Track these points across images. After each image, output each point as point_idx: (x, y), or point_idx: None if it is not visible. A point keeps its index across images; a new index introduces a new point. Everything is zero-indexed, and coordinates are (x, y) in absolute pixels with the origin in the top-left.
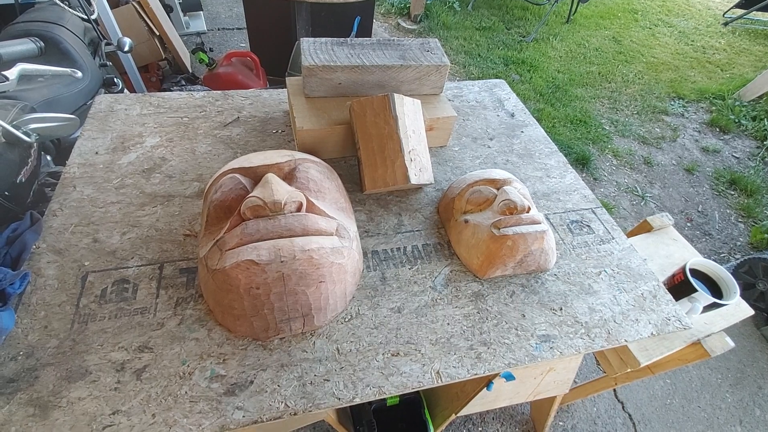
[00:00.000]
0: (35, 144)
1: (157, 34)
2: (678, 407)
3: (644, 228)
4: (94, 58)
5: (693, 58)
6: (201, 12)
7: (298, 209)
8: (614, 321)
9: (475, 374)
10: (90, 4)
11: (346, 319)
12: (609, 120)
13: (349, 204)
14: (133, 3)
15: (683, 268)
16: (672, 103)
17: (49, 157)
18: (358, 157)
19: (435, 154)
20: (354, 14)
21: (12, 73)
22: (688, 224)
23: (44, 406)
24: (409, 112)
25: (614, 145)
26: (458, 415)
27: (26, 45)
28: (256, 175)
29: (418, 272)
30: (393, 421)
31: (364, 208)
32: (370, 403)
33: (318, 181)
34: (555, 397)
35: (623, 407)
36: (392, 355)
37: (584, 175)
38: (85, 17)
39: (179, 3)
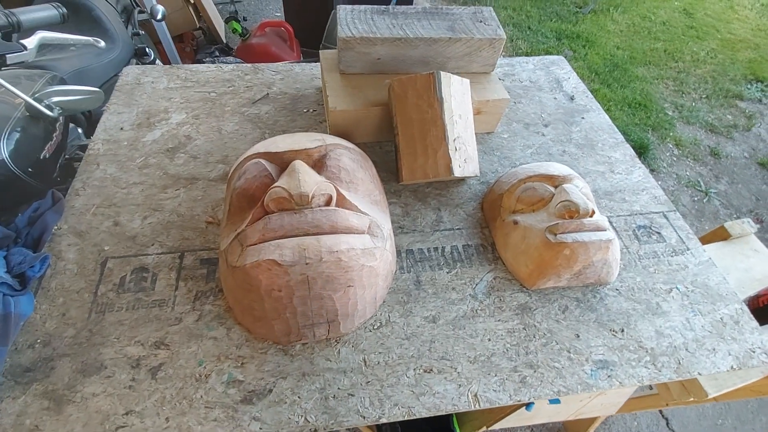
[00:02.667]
0: (60, 118)
1: (192, 2)
2: (730, 429)
3: (719, 235)
4: (126, 27)
5: None
6: None
7: (327, 203)
8: (686, 349)
9: (519, 400)
10: None
11: (375, 327)
12: (673, 104)
13: (383, 197)
14: None
15: None
16: (749, 86)
17: (80, 130)
18: (396, 144)
19: (480, 141)
20: None
21: (31, 42)
22: (758, 226)
23: (59, 399)
24: (457, 94)
25: (677, 132)
26: (490, 429)
27: (48, 11)
28: (282, 162)
29: (457, 277)
30: (418, 424)
31: (399, 200)
32: None
33: (350, 170)
34: (597, 417)
35: (667, 423)
36: (425, 371)
37: None
38: None
39: None
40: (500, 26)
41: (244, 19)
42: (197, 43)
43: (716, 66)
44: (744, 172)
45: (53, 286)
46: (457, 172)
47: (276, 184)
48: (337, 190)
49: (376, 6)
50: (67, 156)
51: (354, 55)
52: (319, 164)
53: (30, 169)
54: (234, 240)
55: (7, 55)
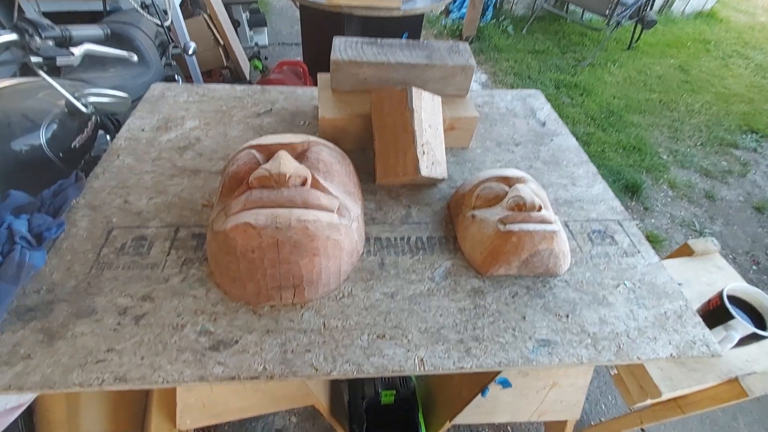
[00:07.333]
0: (93, 117)
1: (222, 44)
2: None
3: (684, 252)
4: (161, 58)
5: None
6: (265, 28)
7: (303, 184)
8: (627, 336)
9: (461, 368)
10: (165, 14)
11: (338, 297)
12: (667, 149)
13: (358, 190)
14: (204, 16)
15: (720, 293)
16: (743, 136)
17: (108, 137)
18: (373, 148)
19: (455, 154)
20: (402, 29)
21: (78, 50)
22: (754, 267)
23: (52, 335)
24: (427, 107)
25: (671, 175)
26: (453, 422)
27: (95, 30)
28: (270, 152)
29: (419, 262)
30: (387, 420)
31: (374, 198)
32: (362, 397)
33: (328, 163)
34: (566, 422)
35: None
36: (378, 336)
37: (634, 203)
38: (159, 23)
39: (247, 20)
40: (472, 57)
41: (266, 59)
42: (224, 79)
43: (711, 116)
44: (739, 214)
45: (64, 246)
46: (424, 172)
47: (260, 167)
48: (313, 176)
49: (367, 38)
50: (93, 155)
51: (343, 75)
52: (301, 156)
53: (61, 155)
54: (221, 212)
55: (57, 58)
